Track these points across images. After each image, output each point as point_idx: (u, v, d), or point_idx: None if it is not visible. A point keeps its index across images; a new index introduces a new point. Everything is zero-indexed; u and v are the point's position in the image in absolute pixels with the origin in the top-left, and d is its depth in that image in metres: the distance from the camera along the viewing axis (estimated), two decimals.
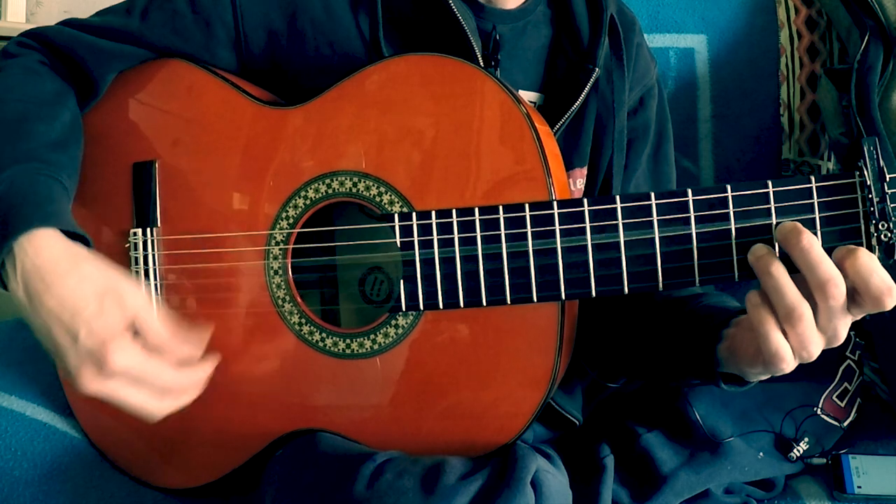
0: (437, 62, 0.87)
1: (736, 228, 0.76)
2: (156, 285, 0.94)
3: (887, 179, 0.72)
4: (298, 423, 0.92)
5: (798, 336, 0.72)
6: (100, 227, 0.98)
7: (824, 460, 1.09)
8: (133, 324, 0.81)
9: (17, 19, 1.93)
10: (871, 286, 0.70)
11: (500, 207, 0.81)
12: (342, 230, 0.95)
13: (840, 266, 0.71)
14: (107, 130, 0.99)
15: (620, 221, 0.78)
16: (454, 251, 0.82)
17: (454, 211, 0.82)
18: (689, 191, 0.77)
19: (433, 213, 0.83)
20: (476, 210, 0.81)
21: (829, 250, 0.72)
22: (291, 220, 0.91)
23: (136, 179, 0.97)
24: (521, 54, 1.01)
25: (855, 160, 0.73)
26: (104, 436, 1.02)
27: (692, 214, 0.77)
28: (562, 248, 0.79)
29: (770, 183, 0.75)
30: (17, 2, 1.93)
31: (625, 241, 0.78)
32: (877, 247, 0.73)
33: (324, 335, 0.90)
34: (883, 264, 0.72)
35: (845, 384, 1.12)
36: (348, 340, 0.89)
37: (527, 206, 0.80)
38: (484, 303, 0.82)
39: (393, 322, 0.87)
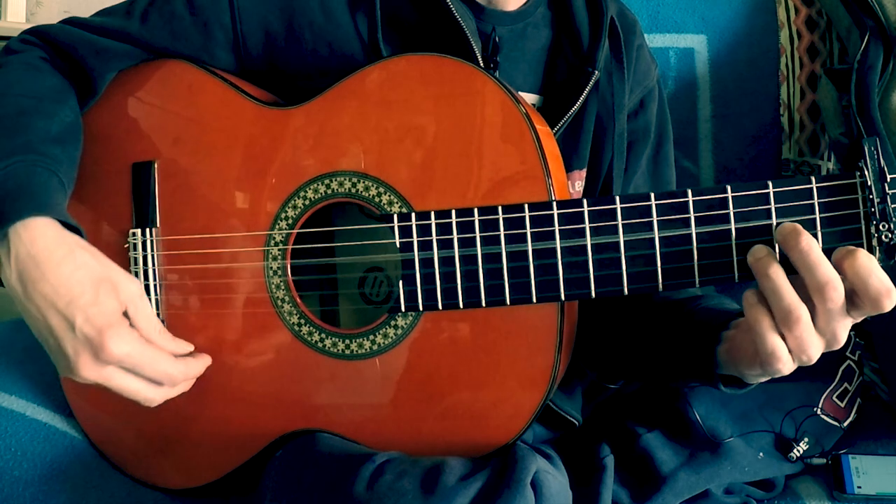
0: (436, 62, 0.87)
1: (736, 229, 0.76)
2: (155, 285, 0.94)
3: (888, 180, 0.72)
4: (298, 423, 0.92)
5: (796, 339, 0.72)
6: (99, 227, 0.98)
7: (824, 460, 1.09)
8: (126, 312, 0.83)
9: (17, 19, 1.93)
10: (869, 288, 0.70)
11: (500, 208, 0.81)
12: (342, 230, 0.95)
13: (839, 267, 0.71)
14: (106, 130, 0.99)
15: (620, 222, 0.78)
16: (453, 252, 0.82)
17: (453, 211, 0.82)
18: (689, 191, 0.77)
19: (432, 214, 0.83)
20: (475, 210, 0.81)
21: (829, 251, 0.72)
22: (291, 221, 0.90)
23: (136, 180, 0.97)
24: (520, 56, 1.01)
25: (855, 160, 0.73)
26: (104, 436, 1.02)
27: (692, 215, 0.76)
28: (561, 248, 0.79)
29: (770, 183, 0.75)
30: (17, 2, 1.93)
31: (624, 242, 0.78)
32: (877, 247, 0.73)
33: (323, 336, 0.90)
34: (883, 265, 0.72)
35: (845, 384, 1.12)
36: (348, 341, 0.89)
37: (526, 206, 0.80)
38: (483, 303, 0.82)
39: (392, 323, 0.87)
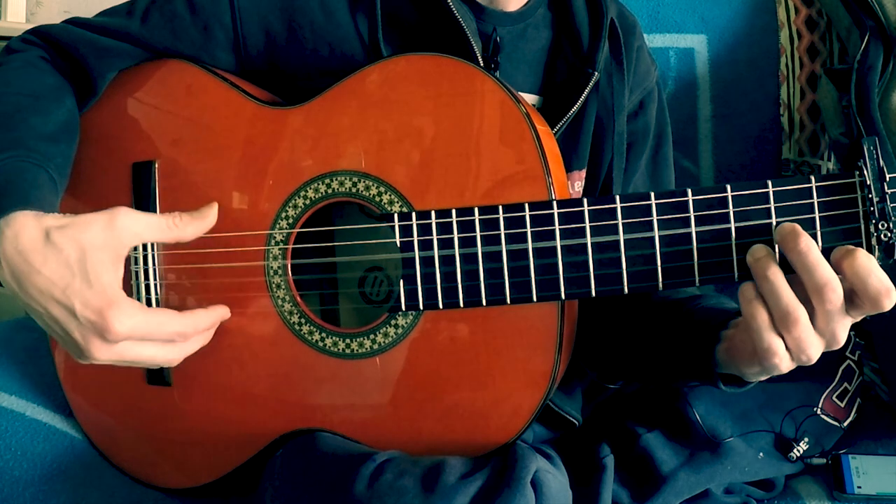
0: (437, 62, 0.87)
1: (735, 228, 0.76)
2: (155, 285, 0.94)
3: (887, 179, 0.72)
4: (298, 422, 0.92)
5: (794, 339, 0.72)
6: None
7: (824, 460, 1.09)
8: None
9: (17, 19, 1.93)
10: (869, 287, 0.70)
11: (500, 207, 0.81)
12: (342, 230, 0.95)
13: (838, 267, 0.71)
14: (106, 130, 0.99)
15: (620, 221, 0.78)
16: (454, 251, 0.82)
17: (454, 211, 0.82)
18: (689, 191, 0.77)
19: (433, 213, 0.83)
20: (476, 210, 0.81)
21: (828, 250, 0.72)
22: (291, 220, 0.91)
23: (136, 179, 0.97)
24: (520, 56, 1.01)
25: (855, 160, 0.73)
26: (104, 436, 1.02)
27: (692, 214, 0.77)
28: (561, 247, 0.79)
29: (770, 183, 0.75)
30: (17, 2, 1.94)
31: (624, 241, 0.78)
32: (877, 247, 0.73)
33: (323, 335, 0.90)
34: (883, 264, 0.72)
35: (845, 384, 1.12)
36: (348, 340, 0.89)
37: (526, 205, 0.80)
38: (483, 302, 0.82)
39: (393, 322, 0.87)
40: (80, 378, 1.02)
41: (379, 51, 0.95)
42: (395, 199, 0.86)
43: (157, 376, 0.96)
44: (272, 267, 0.91)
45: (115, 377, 0.98)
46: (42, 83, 0.93)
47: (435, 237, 0.83)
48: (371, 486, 0.78)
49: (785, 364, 0.74)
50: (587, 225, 0.79)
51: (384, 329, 0.87)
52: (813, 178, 0.74)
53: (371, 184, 0.87)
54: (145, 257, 0.95)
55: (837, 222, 0.74)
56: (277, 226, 0.91)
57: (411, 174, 0.86)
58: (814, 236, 0.73)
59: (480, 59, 0.94)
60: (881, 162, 0.72)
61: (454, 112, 0.86)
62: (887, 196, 0.72)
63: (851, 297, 0.72)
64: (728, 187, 0.76)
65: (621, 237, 0.78)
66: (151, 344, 0.83)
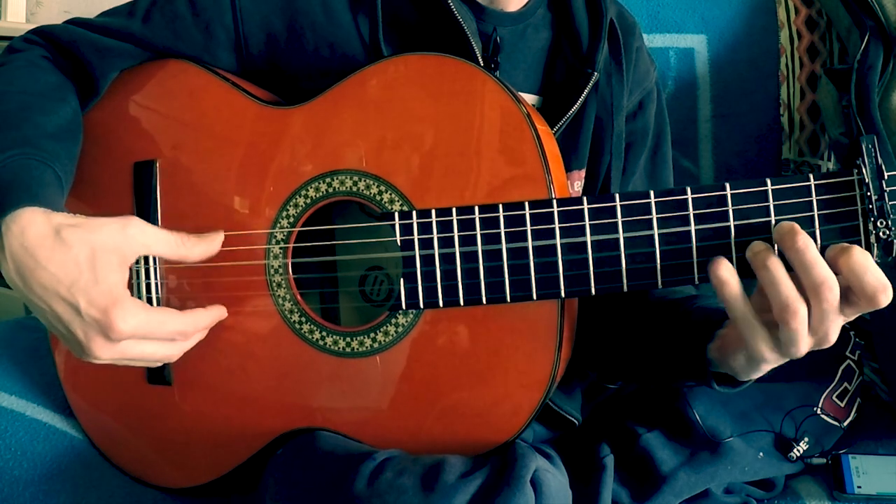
0: (437, 61, 0.87)
1: (735, 227, 0.76)
2: (156, 284, 0.94)
3: (885, 177, 0.72)
4: (298, 421, 0.92)
5: (790, 333, 0.72)
6: None
7: (824, 460, 1.09)
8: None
9: (17, 19, 1.94)
10: (865, 284, 0.70)
11: (500, 206, 0.81)
12: (343, 229, 0.95)
13: (833, 264, 0.71)
14: (108, 130, 0.99)
15: (620, 220, 0.78)
16: (454, 249, 0.82)
17: (454, 209, 0.82)
18: (689, 189, 0.77)
19: (433, 212, 0.83)
20: (476, 209, 0.81)
21: (827, 248, 0.73)
22: (292, 219, 0.91)
23: (137, 179, 0.97)
24: (520, 57, 1.01)
25: (854, 158, 0.73)
26: (104, 435, 1.02)
27: (691, 213, 0.77)
28: (561, 245, 0.79)
29: (769, 181, 0.75)
30: (17, 2, 1.94)
31: (624, 239, 0.78)
32: (875, 244, 0.73)
33: (324, 333, 0.90)
34: (881, 262, 0.72)
35: (845, 384, 1.12)
36: (348, 339, 0.89)
37: (526, 204, 0.80)
38: (484, 301, 0.82)
39: (393, 320, 0.87)
40: (81, 378, 1.02)
41: (380, 51, 0.95)
42: (396, 199, 0.86)
43: (157, 375, 0.97)
44: (273, 266, 0.91)
45: (116, 377, 0.98)
46: (45, 82, 0.93)
47: (435, 236, 0.83)
48: (371, 484, 0.79)
49: (773, 357, 0.75)
50: (587, 223, 0.79)
51: (384, 328, 0.87)
52: (811, 177, 0.74)
53: (372, 183, 0.87)
54: (146, 257, 0.95)
55: (836, 220, 0.74)
56: (278, 225, 0.91)
57: (412, 173, 0.86)
58: (812, 235, 0.73)
59: (480, 60, 0.94)
60: (880, 160, 0.72)
61: (455, 111, 0.86)
62: (886, 194, 0.72)
63: (847, 295, 0.72)
64: (727, 186, 0.76)
65: (621, 235, 0.78)
66: (153, 342, 0.84)
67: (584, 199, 0.79)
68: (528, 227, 0.80)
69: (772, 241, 0.75)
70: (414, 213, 0.84)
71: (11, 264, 0.79)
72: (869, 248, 0.73)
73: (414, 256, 0.83)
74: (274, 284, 0.91)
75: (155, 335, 0.83)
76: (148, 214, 0.95)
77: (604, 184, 1.06)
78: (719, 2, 1.41)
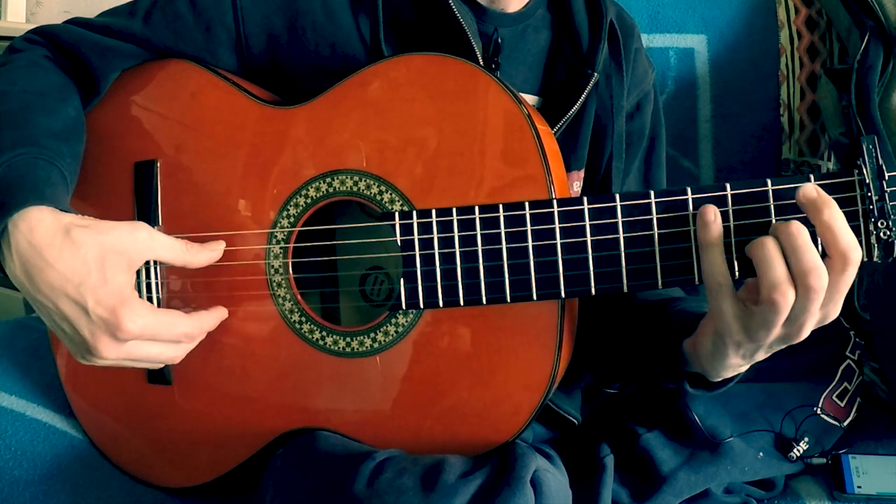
0: (438, 61, 0.87)
1: (735, 226, 0.76)
2: (156, 284, 0.94)
3: (886, 177, 0.72)
4: (298, 421, 0.92)
5: (769, 315, 0.72)
6: None
7: (824, 460, 1.09)
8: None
9: (17, 19, 1.94)
10: (839, 239, 0.71)
11: (500, 206, 0.81)
12: (343, 229, 0.95)
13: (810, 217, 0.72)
14: (109, 130, 0.99)
15: (620, 220, 0.78)
16: (454, 249, 0.82)
17: (454, 209, 0.82)
18: (689, 189, 0.77)
19: (433, 212, 0.83)
20: (476, 208, 0.81)
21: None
22: (292, 219, 0.91)
23: (138, 179, 0.97)
24: (520, 57, 1.01)
25: (854, 159, 0.73)
26: (104, 436, 1.02)
27: (691, 212, 0.77)
28: (561, 246, 0.79)
29: (769, 181, 0.75)
30: (17, 2, 1.94)
31: (624, 239, 0.78)
32: (875, 245, 0.73)
33: (324, 333, 0.90)
34: (882, 263, 0.72)
35: (845, 384, 1.12)
36: (348, 339, 0.89)
37: (527, 204, 0.80)
38: (484, 301, 0.82)
39: (393, 320, 0.87)
40: (81, 378, 1.02)
41: (380, 51, 0.95)
42: (396, 198, 0.86)
43: (157, 375, 0.97)
44: (273, 265, 0.91)
45: (116, 377, 0.98)
46: (48, 82, 0.93)
47: (435, 236, 0.83)
48: (371, 484, 0.79)
49: (737, 330, 0.76)
50: (587, 223, 0.79)
51: (384, 327, 0.87)
52: (812, 177, 0.74)
53: (372, 183, 0.87)
54: None
55: None
56: (279, 224, 0.91)
57: (412, 173, 0.86)
58: (812, 234, 0.73)
59: (481, 60, 0.94)
60: (880, 160, 0.72)
61: (455, 111, 0.86)
62: (886, 194, 0.72)
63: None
64: (727, 186, 0.76)
65: (621, 235, 0.78)
66: (158, 343, 0.85)
67: (585, 199, 0.79)
68: (529, 227, 0.80)
69: None
70: (414, 212, 0.84)
71: (18, 263, 0.79)
72: (869, 248, 0.73)
73: (414, 256, 0.83)
74: (274, 284, 0.91)
75: (162, 336, 0.84)
76: (148, 214, 0.95)
77: (603, 184, 1.06)
78: (719, 2, 1.41)
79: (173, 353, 0.87)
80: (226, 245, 0.92)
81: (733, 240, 0.76)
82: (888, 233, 0.72)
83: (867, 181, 0.72)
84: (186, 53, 0.97)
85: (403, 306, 0.84)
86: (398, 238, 0.84)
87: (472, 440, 0.86)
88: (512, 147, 0.84)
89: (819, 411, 1.09)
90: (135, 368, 0.93)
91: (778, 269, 0.72)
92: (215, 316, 0.91)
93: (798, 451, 1.06)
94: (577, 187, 1.05)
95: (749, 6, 1.41)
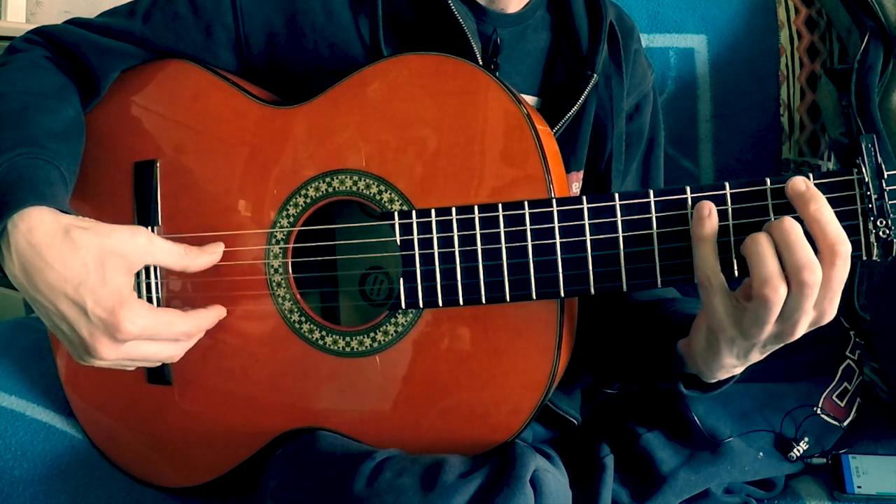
0: (438, 61, 0.87)
1: (734, 225, 0.76)
2: (156, 284, 0.94)
3: (885, 176, 0.72)
4: (298, 421, 0.92)
5: (761, 311, 0.72)
6: None
7: (824, 460, 1.09)
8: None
9: (17, 19, 1.94)
10: (827, 231, 0.71)
11: (500, 205, 0.81)
12: (343, 228, 0.95)
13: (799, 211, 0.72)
14: (109, 130, 0.99)
15: (619, 219, 0.78)
16: (454, 248, 0.82)
17: (454, 209, 0.82)
18: (688, 188, 0.77)
19: (433, 211, 0.83)
20: (475, 208, 0.82)
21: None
22: (292, 219, 0.91)
23: (138, 179, 0.97)
24: (519, 58, 1.01)
25: (854, 158, 0.73)
26: (105, 435, 1.02)
27: (690, 211, 0.77)
28: (561, 245, 0.79)
29: (769, 180, 0.75)
30: (17, 2, 1.94)
31: (623, 238, 0.78)
32: (875, 244, 0.73)
33: (323, 333, 0.90)
34: (881, 262, 0.72)
35: (845, 384, 1.12)
36: (348, 338, 0.89)
37: (526, 203, 0.80)
38: (483, 300, 0.82)
39: (393, 320, 0.87)
40: (81, 378, 1.02)
41: (380, 51, 0.95)
42: (396, 198, 0.86)
43: (157, 375, 0.97)
44: (273, 265, 0.91)
45: (116, 377, 0.98)
46: (48, 82, 0.93)
47: (435, 235, 0.83)
48: (370, 484, 0.79)
49: (730, 325, 0.76)
50: (586, 222, 0.79)
51: (384, 327, 0.87)
52: (811, 176, 0.74)
53: (372, 182, 0.87)
54: None
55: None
56: (278, 224, 0.91)
57: (412, 173, 0.86)
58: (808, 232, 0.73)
59: (480, 60, 0.94)
60: (879, 159, 0.72)
61: (455, 111, 0.86)
62: (885, 193, 0.72)
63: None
64: (727, 185, 0.76)
65: (620, 234, 0.78)
66: (156, 343, 0.85)
67: (584, 198, 0.79)
68: (528, 227, 0.80)
69: None
70: (413, 212, 0.84)
71: (17, 262, 0.80)
72: (868, 247, 0.73)
73: (413, 256, 0.83)
74: (274, 284, 0.91)
75: (161, 336, 0.84)
76: (148, 214, 0.95)
77: (602, 185, 1.06)
78: (719, 2, 1.41)
79: (172, 352, 0.87)
80: (225, 245, 0.92)
81: (732, 239, 0.76)
82: (887, 231, 0.72)
83: (866, 180, 0.72)
84: (186, 53, 0.97)
85: (403, 306, 0.84)
86: (398, 238, 0.84)
87: (472, 440, 0.86)
88: (512, 147, 0.84)
89: (819, 411, 1.09)
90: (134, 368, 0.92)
91: (769, 264, 0.72)
92: (213, 314, 0.91)
93: (798, 451, 1.06)
94: (576, 188, 1.05)
95: (749, 6, 1.41)
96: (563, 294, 0.80)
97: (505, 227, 0.81)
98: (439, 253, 0.83)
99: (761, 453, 1.06)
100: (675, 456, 1.04)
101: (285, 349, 0.92)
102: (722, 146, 1.42)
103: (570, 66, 1.01)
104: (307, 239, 0.91)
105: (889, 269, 0.71)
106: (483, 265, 0.81)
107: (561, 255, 0.80)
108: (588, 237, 0.79)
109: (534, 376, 0.84)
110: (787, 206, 0.74)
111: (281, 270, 0.91)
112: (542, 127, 0.87)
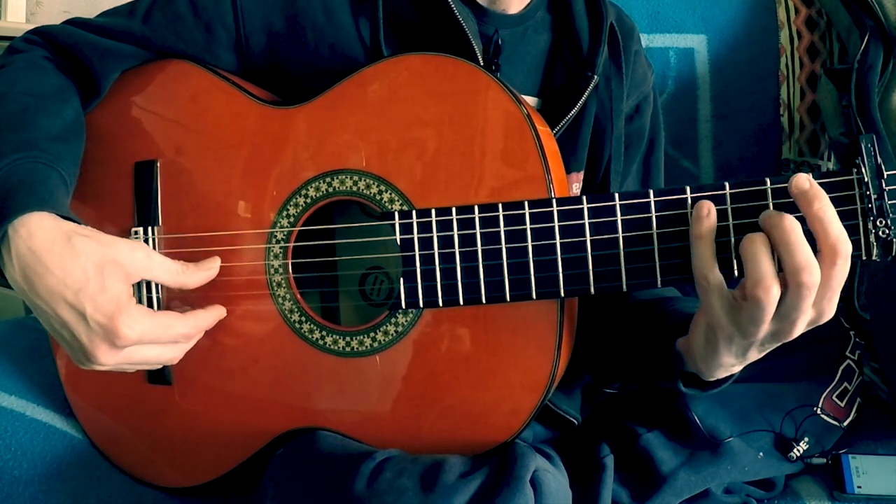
0: (438, 61, 0.87)
1: (734, 225, 0.76)
2: (157, 285, 0.94)
3: (885, 176, 0.72)
4: (298, 421, 0.92)
5: (755, 311, 0.72)
6: (102, 226, 0.97)
7: (824, 460, 1.09)
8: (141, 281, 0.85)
9: (17, 19, 1.94)
10: (829, 230, 0.70)
11: (500, 205, 0.81)
12: (343, 228, 0.95)
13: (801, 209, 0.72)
14: (109, 130, 0.99)
15: (619, 218, 0.78)
16: (454, 248, 0.82)
17: (454, 209, 0.82)
18: (688, 188, 0.77)
19: (433, 211, 0.83)
20: (476, 208, 0.82)
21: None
22: (292, 219, 0.91)
23: (138, 179, 0.97)
24: (520, 59, 1.01)
25: (854, 158, 0.73)
26: (104, 435, 1.02)
27: (690, 211, 0.77)
28: (561, 245, 0.79)
29: (768, 180, 0.75)
30: (17, 2, 1.94)
31: (623, 238, 0.78)
32: (875, 244, 0.73)
33: (323, 333, 0.90)
34: (881, 262, 0.72)
35: (845, 384, 1.12)
36: (348, 338, 0.89)
37: (526, 203, 0.80)
38: (483, 300, 0.82)
39: (393, 320, 0.87)
40: (81, 378, 1.02)
41: (380, 52, 0.95)
42: (396, 198, 0.86)
43: (157, 375, 0.97)
44: (273, 265, 0.91)
45: (116, 377, 0.98)
46: (48, 83, 0.93)
47: (435, 235, 0.83)
48: (370, 484, 0.79)
49: (727, 323, 0.75)
50: (586, 222, 0.79)
51: (384, 327, 0.87)
52: (811, 176, 0.74)
53: (372, 182, 0.87)
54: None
55: None
56: (278, 224, 0.91)
57: (412, 173, 0.86)
58: (807, 232, 0.73)
59: (481, 61, 0.94)
60: (879, 159, 0.72)
61: (455, 111, 0.86)
62: (885, 193, 0.72)
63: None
64: (727, 185, 0.76)
65: (620, 234, 0.78)
66: (156, 346, 0.85)
67: (584, 198, 0.79)
68: (528, 227, 0.80)
69: None
70: (413, 212, 0.84)
71: (17, 267, 0.80)
72: (868, 247, 0.73)
73: (414, 256, 0.83)
74: (274, 284, 0.91)
75: (160, 340, 0.85)
76: (148, 214, 0.95)
77: (602, 186, 1.07)
78: (719, 2, 1.41)
79: (171, 354, 0.88)
80: (225, 245, 0.92)
81: (732, 239, 0.76)
82: (887, 231, 0.72)
83: (866, 180, 0.72)
84: (186, 53, 0.97)
85: (403, 306, 0.85)
86: (398, 237, 0.84)
87: (472, 440, 0.86)
88: (512, 147, 0.84)
89: (819, 411, 1.09)
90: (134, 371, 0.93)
91: (763, 265, 0.71)
92: (212, 315, 0.91)
93: (798, 451, 1.06)
94: (576, 189, 1.05)
95: (749, 6, 1.41)
96: (563, 294, 0.80)
97: (505, 227, 0.81)
98: (439, 253, 0.83)
99: (761, 453, 1.06)
100: (675, 456, 1.04)
101: (285, 349, 0.92)
102: (722, 146, 1.42)
103: (571, 67, 1.01)
104: (307, 239, 0.91)
105: (889, 270, 0.71)
106: (483, 265, 0.81)
107: (561, 254, 0.80)
108: (588, 237, 0.79)
109: (534, 376, 0.84)
110: (787, 206, 0.74)
111: (281, 270, 0.91)
112: (543, 127, 0.87)
